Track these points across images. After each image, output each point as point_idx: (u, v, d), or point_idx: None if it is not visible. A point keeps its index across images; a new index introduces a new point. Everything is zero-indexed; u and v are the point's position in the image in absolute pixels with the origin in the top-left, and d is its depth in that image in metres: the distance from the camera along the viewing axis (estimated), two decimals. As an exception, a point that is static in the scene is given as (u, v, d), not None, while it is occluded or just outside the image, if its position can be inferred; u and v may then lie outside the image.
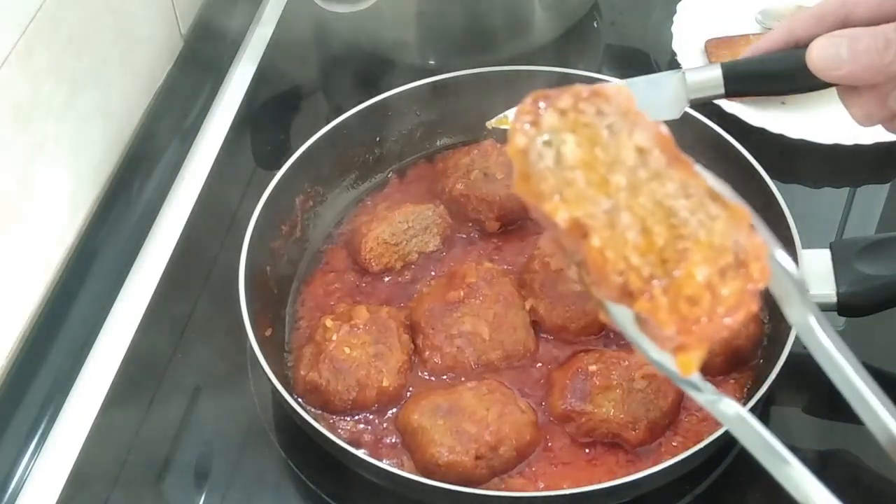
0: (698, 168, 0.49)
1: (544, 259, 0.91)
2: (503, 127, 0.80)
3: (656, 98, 0.72)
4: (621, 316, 0.49)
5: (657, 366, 0.49)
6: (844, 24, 0.65)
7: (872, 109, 0.68)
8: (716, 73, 0.69)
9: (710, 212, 0.49)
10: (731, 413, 0.50)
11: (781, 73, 0.68)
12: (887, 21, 0.63)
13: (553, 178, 0.48)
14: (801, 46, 0.66)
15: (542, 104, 0.49)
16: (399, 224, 0.96)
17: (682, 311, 0.46)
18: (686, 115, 0.98)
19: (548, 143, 0.49)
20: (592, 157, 0.49)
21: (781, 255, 0.49)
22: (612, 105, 0.50)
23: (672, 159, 0.49)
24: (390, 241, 0.95)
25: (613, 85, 0.51)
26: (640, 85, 0.73)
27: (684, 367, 0.47)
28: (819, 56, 0.64)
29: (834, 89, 0.70)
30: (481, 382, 0.85)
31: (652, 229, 0.47)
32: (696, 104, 0.71)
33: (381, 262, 0.95)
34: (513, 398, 0.84)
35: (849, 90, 0.68)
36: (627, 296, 0.47)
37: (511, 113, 0.78)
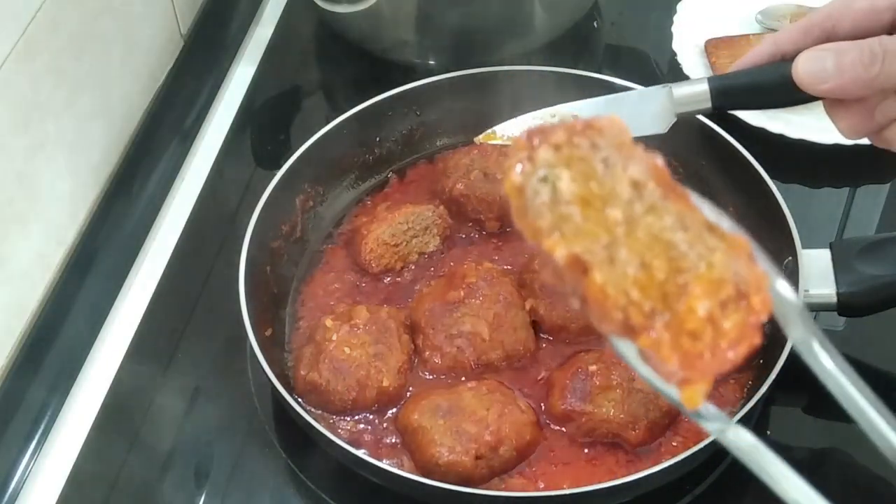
0: (695, 199, 0.49)
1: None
2: (491, 142, 0.80)
3: (644, 113, 0.72)
4: (625, 350, 0.49)
5: (664, 396, 0.48)
6: (830, 37, 0.65)
7: (859, 123, 0.68)
8: (702, 87, 0.69)
9: (709, 244, 0.49)
10: (743, 444, 0.49)
11: (768, 87, 0.68)
12: (873, 34, 0.63)
13: (550, 214, 0.48)
14: (788, 60, 0.65)
15: (536, 140, 0.49)
16: (399, 225, 0.96)
17: (684, 345, 0.46)
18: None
19: (543, 180, 0.49)
20: (588, 191, 0.49)
21: (782, 285, 0.49)
22: (605, 138, 0.51)
23: (668, 191, 0.49)
24: (390, 241, 0.95)
25: (607, 117, 0.52)
26: (628, 100, 0.73)
27: (689, 401, 0.47)
28: (805, 70, 0.64)
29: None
30: (481, 382, 0.85)
31: (651, 264, 0.47)
32: (683, 118, 0.70)
33: (381, 262, 0.95)
34: (513, 398, 0.84)
35: (835, 104, 0.67)
36: (630, 331, 0.47)
37: (498, 129, 0.78)
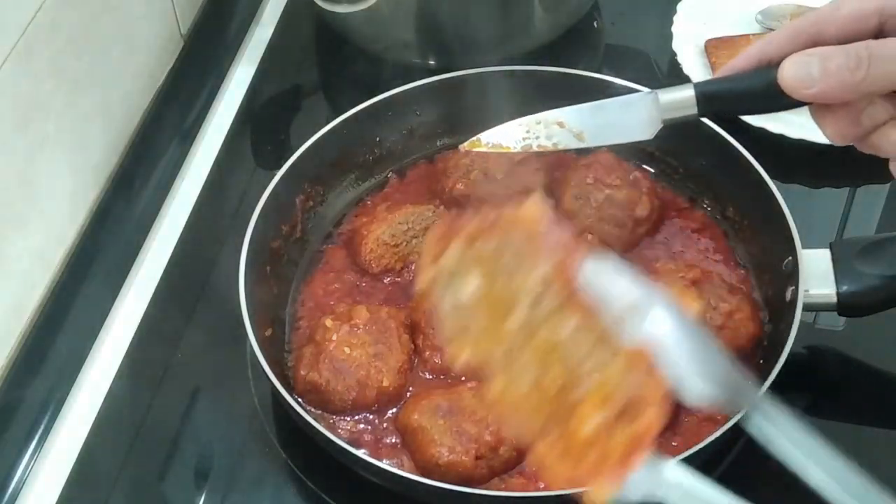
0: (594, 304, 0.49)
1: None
2: (476, 149, 0.80)
3: (630, 119, 0.72)
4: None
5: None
6: (817, 42, 0.64)
7: (845, 128, 0.68)
8: (688, 93, 0.68)
9: (604, 356, 0.49)
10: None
11: (754, 93, 0.67)
12: (860, 39, 0.63)
13: (453, 320, 0.48)
14: (774, 66, 0.65)
15: (443, 243, 0.50)
16: (399, 225, 0.96)
17: (575, 457, 0.46)
18: (686, 114, 0.98)
19: (448, 286, 0.49)
20: (491, 297, 0.49)
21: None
22: (518, 231, 0.50)
23: (570, 294, 0.49)
24: (390, 242, 0.95)
25: (524, 206, 0.52)
26: (614, 106, 0.73)
27: (590, 502, 0.47)
28: (790, 75, 0.64)
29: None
30: (481, 382, 0.85)
31: (546, 375, 0.47)
32: (669, 125, 0.70)
33: (381, 263, 0.95)
34: (513, 398, 0.84)
35: (821, 108, 0.67)
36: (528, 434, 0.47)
37: (483, 136, 0.78)
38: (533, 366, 0.47)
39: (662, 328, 0.52)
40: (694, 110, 0.68)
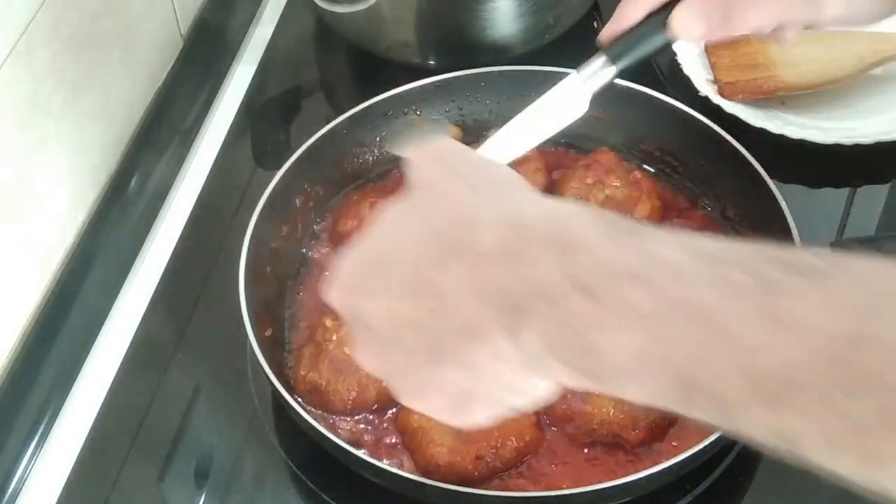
0: None
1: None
2: None
3: (562, 104, 0.80)
4: None
5: None
6: None
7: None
8: (601, 59, 0.78)
9: None
10: None
11: (653, 42, 0.76)
12: None
13: None
14: (660, 13, 0.75)
15: None
16: None
17: None
18: (686, 114, 0.99)
19: None
20: None
21: None
22: None
23: None
24: None
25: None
26: (548, 100, 0.80)
27: None
28: (679, 29, 0.74)
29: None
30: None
31: None
32: (598, 92, 0.79)
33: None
34: (513, 398, 0.84)
35: None
36: None
37: None
38: None
39: None
40: (612, 72, 0.78)
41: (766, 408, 0.40)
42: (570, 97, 0.80)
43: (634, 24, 0.76)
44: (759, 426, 0.41)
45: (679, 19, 0.73)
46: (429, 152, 0.56)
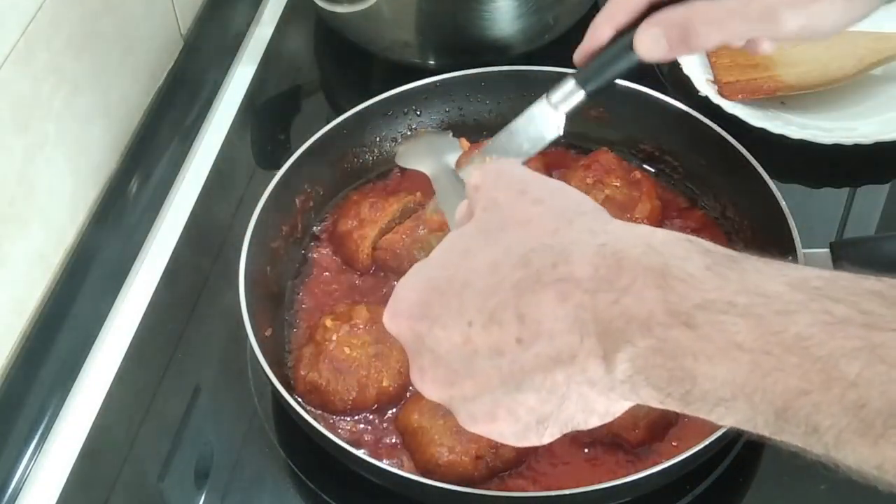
0: None
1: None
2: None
3: (538, 127, 0.80)
4: None
5: None
6: (652, 3, 0.73)
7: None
8: (570, 84, 0.78)
9: None
10: None
11: (621, 65, 0.77)
12: None
13: None
14: (625, 33, 0.75)
15: None
16: (389, 223, 0.96)
17: None
18: (686, 115, 0.99)
19: None
20: None
21: None
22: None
23: None
24: (385, 246, 0.95)
25: None
26: (521, 124, 0.81)
27: None
28: (643, 50, 0.74)
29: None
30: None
31: None
32: (571, 114, 0.79)
33: (378, 263, 0.96)
34: (513, 398, 0.84)
35: None
36: None
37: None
38: None
39: None
40: (582, 95, 0.78)
41: (866, 441, 0.41)
42: (542, 121, 0.80)
43: (604, 44, 0.76)
44: (854, 456, 0.42)
45: (641, 40, 0.73)
46: (493, 175, 0.55)
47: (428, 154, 0.97)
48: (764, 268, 0.46)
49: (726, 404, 0.45)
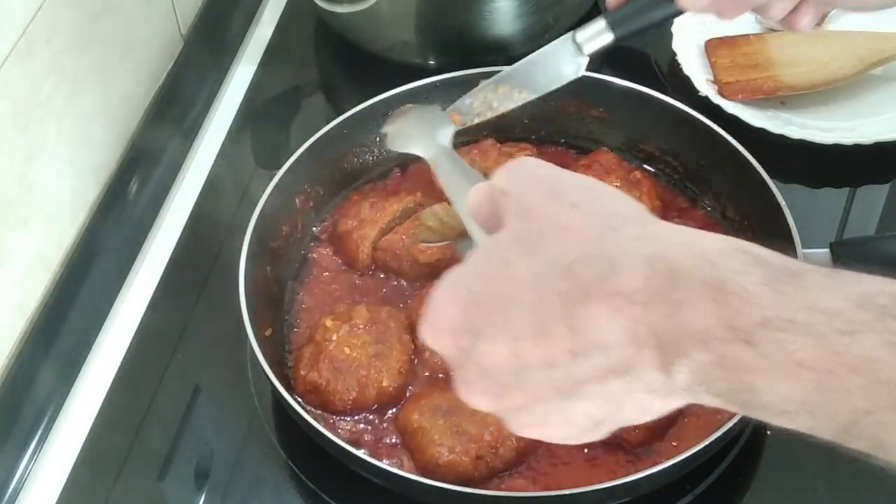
0: None
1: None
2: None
3: (558, 64, 0.79)
4: None
5: None
6: None
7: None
8: (601, 24, 0.76)
9: None
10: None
11: (655, 11, 0.75)
12: None
13: None
14: None
15: None
16: (389, 224, 0.96)
17: None
18: (686, 114, 0.99)
19: None
20: None
21: None
22: None
23: None
24: (385, 247, 0.95)
25: None
26: (540, 58, 0.79)
27: None
28: (689, 2, 0.72)
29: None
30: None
31: None
32: (593, 56, 0.78)
33: (378, 264, 0.96)
34: (513, 398, 0.84)
35: None
36: None
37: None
38: None
39: None
40: (610, 38, 0.76)
41: None
42: (564, 59, 0.78)
43: None
44: None
45: None
46: (521, 177, 0.53)
47: (420, 134, 0.88)
48: (826, 282, 0.45)
49: (789, 416, 0.44)
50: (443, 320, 0.52)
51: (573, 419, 0.50)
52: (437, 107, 0.92)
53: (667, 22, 0.75)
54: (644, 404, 0.49)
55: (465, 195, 0.58)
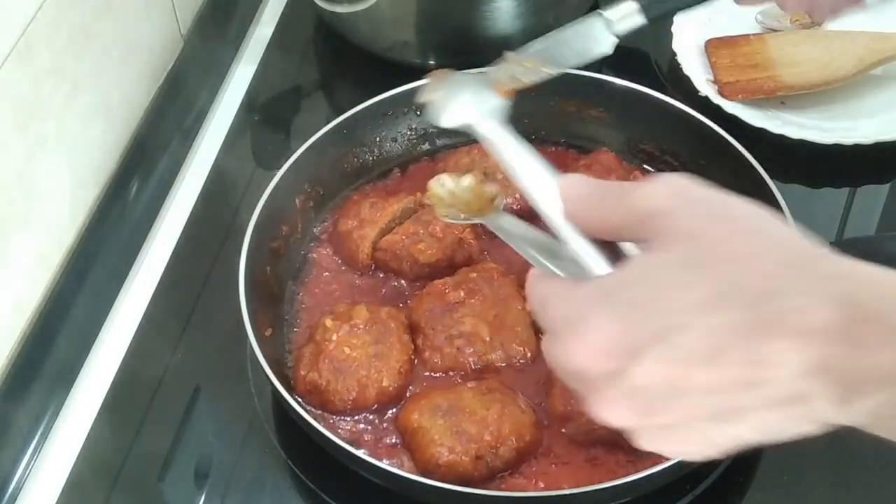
0: None
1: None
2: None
3: (585, 42, 0.79)
4: None
5: None
6: None
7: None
8: (631, 5, 0.76)
9: None
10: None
11: None
12: None
13: None
14: None
15: None
16: (389, 224, 0.96)
17: None
18: (686, 114, 0.99)
19: None
20: None
21: None
22: None
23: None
24: (385, 247, 0.95)
25: None
26: (569, 35, 0.79)
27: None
28: None
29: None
30: (481, 382, 0.85)
31: None
32: (622, 36, 0.77)
33: (378, 264, 0.96)
34: (513, 398, 0.84)
35: None
36: None
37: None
38: None
39: None
40: (641, 21, 0.76)
41: None
42: (593, 37, 0.78)
43: None
44: None
45: None
46: (681, 199, 0.52)
47: (470, 106, 0.77)
48: None
49: None
50: (600, 340, 0.50)
51: (719, 441, 0.49)
52: (480, 72, 0.82)
53: (697, 3, 0.75)
54: (799, 431, 0.48)
55: (540, 180, 0.57)
